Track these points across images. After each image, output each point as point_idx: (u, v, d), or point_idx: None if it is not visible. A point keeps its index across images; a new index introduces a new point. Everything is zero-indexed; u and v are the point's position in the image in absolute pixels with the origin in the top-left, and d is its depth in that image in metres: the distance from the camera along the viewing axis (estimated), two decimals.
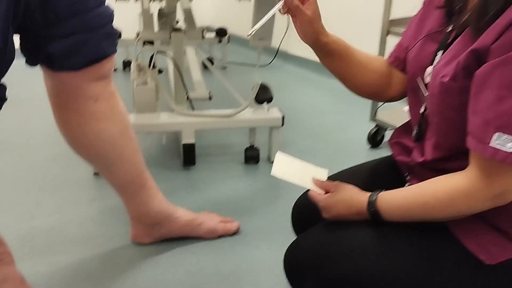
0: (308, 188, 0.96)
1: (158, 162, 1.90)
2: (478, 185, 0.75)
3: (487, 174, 0.74)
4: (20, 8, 0.92)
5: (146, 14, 2.17)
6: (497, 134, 0.70)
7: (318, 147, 2.08)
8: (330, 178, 1.02)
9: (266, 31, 1.72)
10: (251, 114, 1.89)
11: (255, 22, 1.73)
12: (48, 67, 1.08)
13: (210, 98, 2.19)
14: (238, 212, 1.57)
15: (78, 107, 1.15)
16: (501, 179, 0.74)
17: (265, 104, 1.92)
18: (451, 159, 0.84)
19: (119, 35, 2.90)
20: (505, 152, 0.70)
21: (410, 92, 0.95)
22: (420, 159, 0.89)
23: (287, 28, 3.08)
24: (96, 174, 1.78)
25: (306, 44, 0.98)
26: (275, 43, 2.81)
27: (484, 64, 0.73)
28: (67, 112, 1.17)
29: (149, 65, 1.88)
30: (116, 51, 1.15)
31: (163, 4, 2.41)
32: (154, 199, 1.35)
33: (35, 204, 1.60)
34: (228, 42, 3.06)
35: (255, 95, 1.88)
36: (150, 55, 1.90)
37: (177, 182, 1.76)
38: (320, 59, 1.01)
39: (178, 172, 1.83)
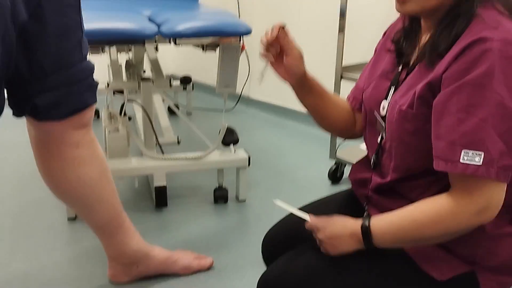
0: (304, 217, 1.00)
1: (131, 205, 1.97)
2: (461, 202, 0.82)
3: (468, 191, 0.81)
4: (11, 64, 1.02)
5: (114, 65, 2.29)
6: (464, 151, 0.79)
7: (283, 185, 2.20)
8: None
9: (231, 79, 1.86)
10: (219, 156, 2.00)
11: (220, 72, 1.87)
12: (33, 118, 1.16)
13: (178, 142, 2.29)
14: (210, 249, 1.65)
15: (61, 153, 1.24)
16: (482, 194, 0.81)
17: (231, 146, 2.03)
18: (407, 181, 0.93)
19: None
20: (475, 165, 0.78)
21: (368, 126, 1.06)
22: (379, 181, 0.99)
23: (248, 76, 3.26)
24: (70, 219, 1.83)
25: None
26: (237, 89, 2.96)
27: (440, 93, 0.82)
28: (50, 159, 1.25)
29: (120, 113, 1.97)
30: (96, 100, 1.25)
31: (130, 55, 2.54)
32: (132, 239, 1.42)
33: (10, 250, 1.63)
34: (193, 89, 3.20)
35: (222, 138, 2.00)
36: (120, 104, 2.01)
37: (150, 224, 1.83)
38: (300, 97, 1.10)
39: (150, 214, 1.91)
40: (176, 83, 3.16)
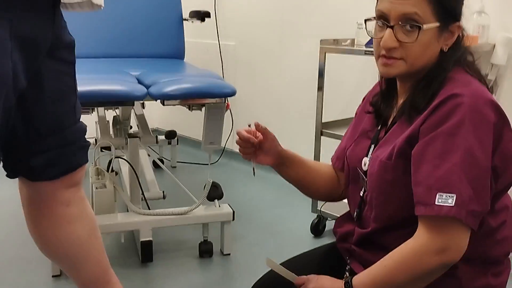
0: (291, 278, 1.03)
1: (117, 260, 1.98)
2: (423, 240, 0.87)
3: (431, 230, 0.87)
4: (8, 128, 1.08)
5: (102, 122, 2.36)
6: (438, 194, 0.85)
7: (266, 238, 2.24)
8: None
9: (216, 137, 1.93)
10: (204, 211, 2.04)
11: (206, 131, 1.95)
12: (27, 178, 1.21)
13: (164, 197, 2.33)
14: None
15: (51, 211, 1.28)
16: (444, 233, 0.86)
17: (216, 201, 2.08)
18: (388, 231, 0.99)
19: None
20: (448, 206, 0.84)
21: (351, 182, 1.12)
22: (361, 232, 1.05)
23: (231, 129, 3.35)
24: (54, 276, 1.83)
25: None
26: (221, 142, 3.01)
27: (417, 144, 0.90)
28: (41, 217, 1.29)
29: (108, 169, 2.02)
30: (88, 160, 1.31)
31: (118, 112, 2.61)
32: None
33: None
34: (177, 143, 3.27)
35: (207, 194, 2.05)
36: (108, 159, 2.05)
37: (136, 279, 1.84)
38: (282, 173, 1.18)
39: (136, 269, 1.92)
40: (161, 137, 3.23)
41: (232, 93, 1.78)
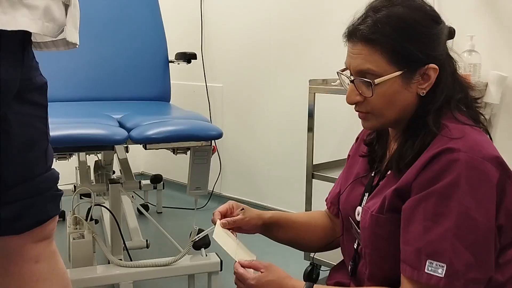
0: (239, 260, 1.00)
1: None
2: None
3: None
4: None
5: (82, 167, 2.25)
6: (428, 261, 0.79)
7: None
8: None
9: (202, 181, 1.84)
10: (189, 260, 1.91)
11: (191, 175, 1.85)
12: None
13: (147, 246, 2.20)
14: None
15: (18, 269, 1.15)
16: None
17: (202, 249, 1.96)
18: None
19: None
20: (438, 276, 0.78)
21: (345, 232, 1.05)
22: None
23: (219, 173, 3.25)
24: None
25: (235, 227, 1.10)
26: (208, 186, 2.91)
27: (409, 200, 0.84)
28: (5, 276, 1.16)
29: (86, 218, 1.90)
30: (59, 211, 1.19)
31: (99, 156, 2.51)
32: None
33: None
34: (163, 188, 3.15)
35: (192, 243, 1.93)
36: (87, 207, 1.94)
37: None
38: (272, 236, 1.13)
39: None
40: (146, 181, 3.12)
41: (218, 136, 1.70)
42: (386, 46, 0.86)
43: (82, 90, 2.29)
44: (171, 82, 2.60)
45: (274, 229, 1.12)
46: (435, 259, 0.79)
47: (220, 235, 1.07)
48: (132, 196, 2.70)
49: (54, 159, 1.83)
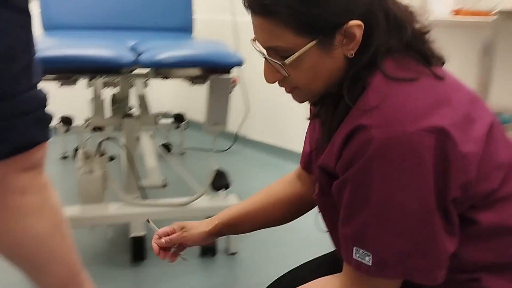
0: None
1: (102, 258, 1.72)
2: None
3: (352, 282, 0.75)
4: None
5: (97, 100, 2.09)
6: (355, 248, 0.72)
7: (278, 236, 1.95)
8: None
9: (221, 115, 1.65)
10: (207, 202, 1.77)
11: (208, 108, 1.67)
12: None
13: (164, 185, 2.06)
14: None
15: (3, 202, 1.00)
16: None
17: (222, 191, 1.81)
18: None
19: (70, 122, 2.80)
20: (366, 265, 0.71)
21: None
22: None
23: (245, 115, 3.06)
24: None
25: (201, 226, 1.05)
26: (234, 127, 2.75)
27: (334, 183, 0.75)
28: None
29: (97, 152, 1.76)
30: (48, 138, 1.03)
31: (116, 90, 2.35)
32: None
33: None
34: (186, 128, 3.00)
35: (211, 182, 1.77)
36: (99, 142, 1.79)
37: (124, 281, 1.58)
38: (236, 233, 1.11)
39: (125, 269, 1.65)
40: (169, 121, 2.96)
41: (238, 63, 1.49)
42: (288, 17, 0.71)
43: (100, 18, 2.10)
44: (195, 15, 2.39)
45: (228, 231, 1.07)
46: (360, 246, 0.72)
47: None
48: (152, 135, 2.56)
49: (58, 84, 1.68)
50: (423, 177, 0.67)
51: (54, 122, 2.73)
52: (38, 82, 0.99)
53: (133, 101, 2.44)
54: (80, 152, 1.79)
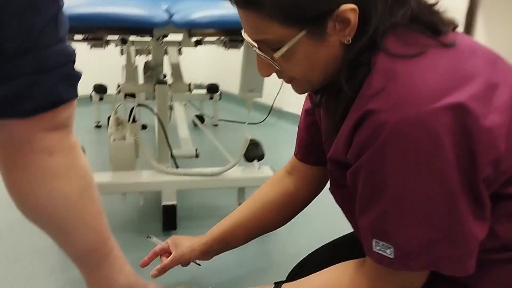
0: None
1: (133, 226, 1.69)
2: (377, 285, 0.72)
3: (375, 277, 0.72)
4: None
5: (129, 66, 2.04)
6: (374, 240, 0.68)
7: (312, 209, 1.88)
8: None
9: (257, 81, 1.57)
10: (240, 172, 1.71)
11: (244, 73, 1.59)
12: None
13: (196, 155, 2.01)
14: (222, 285, 1.35)
15: (29, 162, 0.96)
16: (399, 280, 0.70)
17: (255, 161, 1.74)
18: None
19: (104, 90, 2.78)
20: (387, 257, 0.67)
21: None
22: None
23: (281, 85, 2.97)
24: None
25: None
26: (269, 100, 2.66)
27: (347, 172, 0.70)
28: (15, 169, 0.98)
29: (129, 119, 1.72)
30: (76, 96, 0.98)
31: (150, 57, 2.30)
32: (121, 272, 1.13)
33: None
34: (220, 99, 2.93)
35: (244, 152, 1.71)
36: (131, 109, 1.74)
37: None
38: (233, 247, 1.10)
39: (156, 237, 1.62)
40: (203, 91, 2.91)
41: None
42: (273, 8, 0.66)
43: None
44: None
45: (222, 246, 1.08)
46: (379, 238, 0.68)
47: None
48: (185, 104, 2.51)
49: (89, 46, 1.62)
50: (443, 159, 0.60)
51: (88, 91, 2.71)
52: (66, 36, 0.93)
53: (166, 69, 2.39)
54: (111, 118, 1.75)
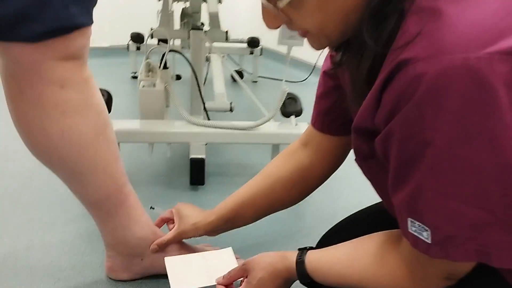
0: (218, 284, 0.88)
1: (160, 179, 1.61)
2: (418, 274, 0.63)
3: (410, 262, 0.63)
4: None
5: (165, 11, 1.92)
6: (409, 219, 0.58)
7: (350, 168, 1.74)
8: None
9: None
10: (276, 128, 1.58)
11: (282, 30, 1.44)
12: None
13: (231, 109, 1.90)
14: (251, 246, 1.26)
15: (38, 94, 0.87)
16: (440, 267, 0.60)
17: (292, 117, 1.61)
18: None
19: (142, 40, 2.67)
20: (424, 241, 0.57)
21: None
22: None
23: None
24: None
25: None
26: (312, 59, 2.49)
27: (376, 139, 0.59)
28: (24, 102, 0.89)
29: (160, 65, 1.61)
30: (91, 22, 0.87)
31: (187, 4, 2.17)
32: (136, 222, 1.05)
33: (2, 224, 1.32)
34: (261, 54, 2.79)
35: (281, 106, 1.57)
36: (167, 57, 1.63)
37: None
38: (239, 226, 1.03)
39: (182, 192, 1.53)
40: (243, 46, 2.76)
41: None
42: None
43: None
44: None
45: (227, 226, 1.01)
46: (415, 218, 0.57)
47: (177, 278, 0.95)
48: (223, 57, 2.38)
49: None
50: (499, 120, 0.48)
51: (126, 40, 2.62)
52: None
53: (205, 19, 2.26)
54: (142, 64, 1.64)
